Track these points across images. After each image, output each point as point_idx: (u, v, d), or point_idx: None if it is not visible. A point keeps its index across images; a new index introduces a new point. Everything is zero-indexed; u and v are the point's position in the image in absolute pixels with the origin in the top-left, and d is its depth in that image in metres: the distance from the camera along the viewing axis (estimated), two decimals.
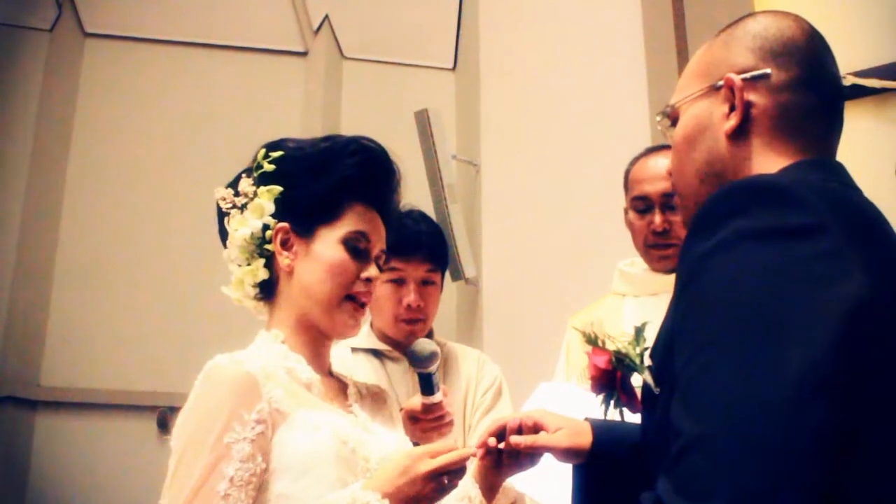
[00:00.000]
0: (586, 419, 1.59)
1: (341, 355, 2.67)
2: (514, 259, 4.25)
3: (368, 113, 5.11)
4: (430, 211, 3.60)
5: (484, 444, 1.61)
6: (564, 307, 2.74)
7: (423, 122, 4.38)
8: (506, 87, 4.54)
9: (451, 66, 5.36)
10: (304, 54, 5.39)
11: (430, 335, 2.72)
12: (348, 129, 4.94)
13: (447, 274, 2.86)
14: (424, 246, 2.65)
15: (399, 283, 2.64)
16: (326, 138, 1.85)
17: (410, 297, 2.62)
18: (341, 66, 5.35)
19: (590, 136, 3.92)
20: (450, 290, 4.33)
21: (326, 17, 5.32)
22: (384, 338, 2.72)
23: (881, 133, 3.42)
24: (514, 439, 1.57)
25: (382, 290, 2.63)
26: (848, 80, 3.45)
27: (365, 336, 2.74)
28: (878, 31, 3.53)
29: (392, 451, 1.70)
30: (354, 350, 2.71)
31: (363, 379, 2.53)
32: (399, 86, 5.26)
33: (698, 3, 3.79)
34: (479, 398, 2.72)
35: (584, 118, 4.06)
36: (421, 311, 2.65)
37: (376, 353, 2.71)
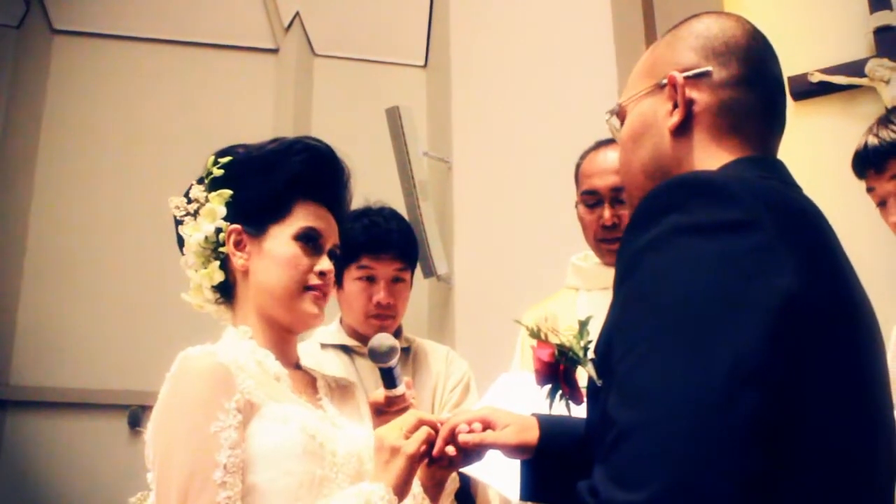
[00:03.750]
0: (533, 414, 1.61)
1: (311, 351, 2.69)
2: (485, 256, 4.27)
3: (340, 110, 5.12)
4: (401, 208, 3.61)
5: (439, 455, 1.63)
6: (536, 303, 2.75)
7: (395, 119, 4.39)
8: (477, 85, 4.56)
9: (422, 63, 5.36)
10: (275, 51, 5.38)
11: (398, 332, 2.74)
12: (319, 125, 4.99)
13: (419, 271, 2.87)
14: (395, 244, 2.67)
15: (369, 280, 2.66)
16: (273, 140, 1.88)
17: (380, 294, 2.65)
18: (312, 64, 5.34)
19: (561, 133, 3.93)
20: (422, 286, 4.34)
21: (297, 14, 5.31)
22: (354, 334, 2.73)
23: (848, 129, 3.45)
24: (463, 438, 1.59)
25: (353, 288, 2.65)
26: (815, 77, 3.49)
27: (334, 332, 2.76)
28: (846, 28, 3.56)
29: (360, 445, 1.72)
30: (324, 346, 2.73)
31: (332, 374, 2.55)
32: (370, 83, 5.26)
33: (668, 1, 3.81)
34: (447, 394, 2.74)
35: (555, 115, 4.08)
36: (391, 308, 2.67)
37: (345, 349, 2.73)
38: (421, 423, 1.63)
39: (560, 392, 1.49)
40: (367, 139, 4.54)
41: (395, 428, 1.63)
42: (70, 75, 5.10)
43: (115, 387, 4.62)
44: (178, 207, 1.83)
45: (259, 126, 4.80)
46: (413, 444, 1.59)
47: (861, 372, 1.14)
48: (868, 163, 2.31)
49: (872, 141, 2.30)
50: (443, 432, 1.62)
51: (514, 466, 1.64)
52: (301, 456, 1.59)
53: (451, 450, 1.62)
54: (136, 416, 4.57)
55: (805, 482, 1.05)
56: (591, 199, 2.53)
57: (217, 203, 1.79)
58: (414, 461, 1.60)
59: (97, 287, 4.80)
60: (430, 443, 1.62)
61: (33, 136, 4.97)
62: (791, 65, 3.43)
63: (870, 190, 2.34)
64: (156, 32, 5.22)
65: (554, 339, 1.48)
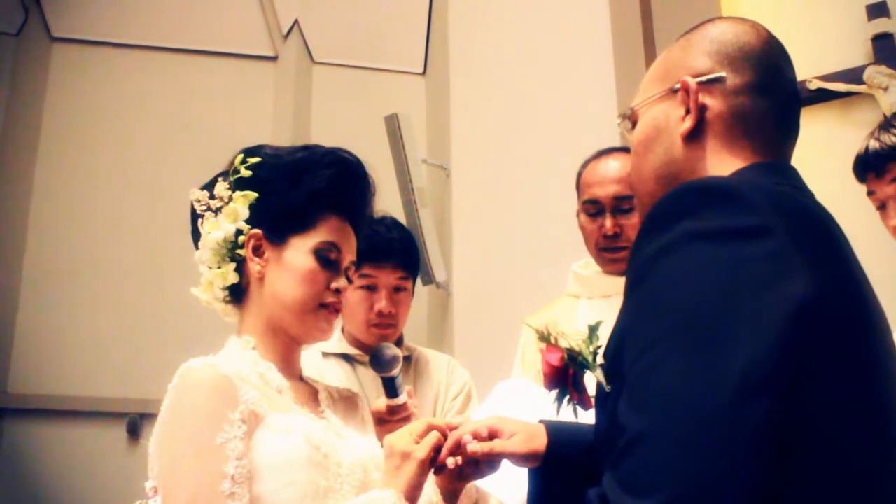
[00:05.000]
0: (540, 421, 1.59)
1: (312, 359, 2.68)
2: (484, 263, 4.26)
3: (338, 117, 5.12)
4: (400, 215, 3.61)
5: (443, 463, 1.61)
6: (535, 311, 2.75)
7: (394, 126, 4.39)
8: (475, 92, 4.56)
9: (421, 70, 5.37)
10: (273, 59, 5.38)
11: (399, 340, 2.73)
12: (318, 133, 4.99)
13: (418, 278, 2.87)
14: (397, 253, 2.66)
15: (371, 289, 2.65)
16: (304, 147, 1.85)
17: (382, 303, 2.63)
18: (311, 71, 5.34)
19: (559, 140, 3.93)
20: (421, 294, 4.33)
21: (296, 21, 5.32)
22: (355, 343, 2.73)
23: (846, 135, 3.46)
24: (472, 448, 1.56)
25: (354, 296, 2.65)
26: (814, 84, 3.49)
27: (336, 341, 2.75)
28: (844, 35, 3.57)
29: (364, 456, 1.71)
30: (325, 355, 2.72)
31: (334, 383, 2.54)
32: (369, 90, 5.26)
33: (666, 8, 3.82)
34: (448, 403, 2.73)
35: (554, 122, 4.08)
36: (392, 317, 2.66)
37: (347, 358, 2.72)
38: (431, 428, 1.61)
39: (568, 397, 1.48)
40: (366, 146, 4.47)
41: (405, 434, 1.62)
42: (69, 82, 5.10)
43: (113, 395, 4.61)
44: (199, 201, 1.80)
45: (258, 133, 4.76)
46: (423, 449, 1.58)
47: (873, 378, 1.13)
48: (868, 166, 2.30)
49: (873, 145, 2.30)
50: (448, 443, 1.60)
51: (518, 475, 1.63)
52: (305, 466, 1.58)
53: (451, 461, 1.60)
54: (135, 425, 4.57)
55: (816, 490, 1.04)
56: (592, 207, 2.53)
57: (241, 204, 1.77)
58: (425, 466, 1.58)
59: (96, 295, 4.79)
60: (439, 448, 1.61)
61: (32, 142, 4.97)
62: None
63: (870, 193, 2.34)
64: (155, 40, 5.23)
65: (563, 344, 1.47)
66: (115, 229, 4.89)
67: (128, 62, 5.18)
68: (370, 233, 2.63)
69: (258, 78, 5.31)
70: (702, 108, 1.32)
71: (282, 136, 4.86)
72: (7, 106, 4.97)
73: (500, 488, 1.94)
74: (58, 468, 4.52)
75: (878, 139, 2.30)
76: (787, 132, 1.36)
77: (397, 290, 2.68)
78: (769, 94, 1.33)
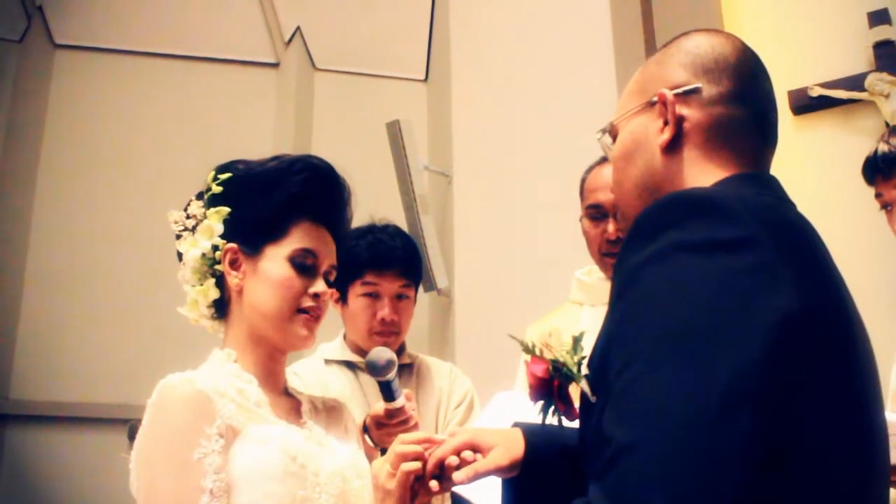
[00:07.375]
0: (516, 424, 1.57)
1: (315, 367, 2.69)
2: (486, 269, 4.27)
3: (340, 124, 5.13)
4: (401, 222, 3.61)
5: (429, 489, 1.59)
6: (537, 318, 2.75)
7: (395, 133, 4.40)
8: (477, 98, 4.57)
9: (422, 77, 5.38)
10: (275, 65, 5.40)
11: (402, 348, 2.74)
12: (320, 139, 5.01)
13: (420, 285, 2.87)
14: (399, 261, 2.67)
15: (374, 297, 2.66)
16: (274, 158, 1.87)
17: (385, 311, 2.65)
18: (313, 78, 5.36)
19: (561, 146, 3.94)
20: (422, 300, 4.33)
21: (298, 28, 5.34)
22: (357, 350, 2.73)
23: (848, 143, 3.47)
24: (457, 477, 1.50)
25: (357, 304, 2.66)
26: (815, 91, 3.50)
27: (338, 348, 2.76)
28: (845, 43, 3.58)
29: (344, 464, 1.72)
30: (328, 362, 2.73)
31: (337, 389, 2.56)
32: (371, 97, 5.27)
33: (667, 16, 3.83)
34: (451, 412, 2.73)
35: (556, 128, 4.09)
36: (395, 324, 2.67)
37: (349, 365, 2.73)
38: (401, 459, 1.55)
39: (553, 408, 1.48)
40: (368, 153, 4.56)
41: (384, 465, 1.57)
42: (71, 89, 5.12)
43: (114, 400, 4.61)
44: (176, 222, 1.82)
45: (260, 139, 4.82)
46: (399, 489, 1.53)
47: (856, 389, 1.13)
48: (877, 169, 2.36)
49: (883, 148, 2.35)
50: (429, 467, 1.55)
51: (494, 481, 1.62)
52: (282, 477, 1.59)
53: (434, 485, 1.56)
54: (136, 430, 4.55)
55: (801, 500, 1.04)
56: (595, 212, 2.53)
57: (215, 220, 1.78)
58: (404, 501, 1.55)
59: (97, 301, 4.80)
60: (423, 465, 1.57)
61: (34, 149, 4.99)
62: (791, 79, 3.45)
63: (878, 196, 2.38)
64: (157, 46, 5.25)
65: (549, 355, 1.47)
66: (117, 236, 4.90)
67: (130, 69, 5.20)
68: (373, 240, 2.65)
69: (260, 84, 5.33)
70: (679, 120, 1.32)
71: (283, 143, 4.88)
72: (10, 112, 5.00)
73: (469, 492, 1.93)
74: (59, 474, 4.53)
75: (887, 142, 2.36)
76: (766, 141, 1.36)
77: (400, 297, 2.69)
78: (746, 103, 1.33)
